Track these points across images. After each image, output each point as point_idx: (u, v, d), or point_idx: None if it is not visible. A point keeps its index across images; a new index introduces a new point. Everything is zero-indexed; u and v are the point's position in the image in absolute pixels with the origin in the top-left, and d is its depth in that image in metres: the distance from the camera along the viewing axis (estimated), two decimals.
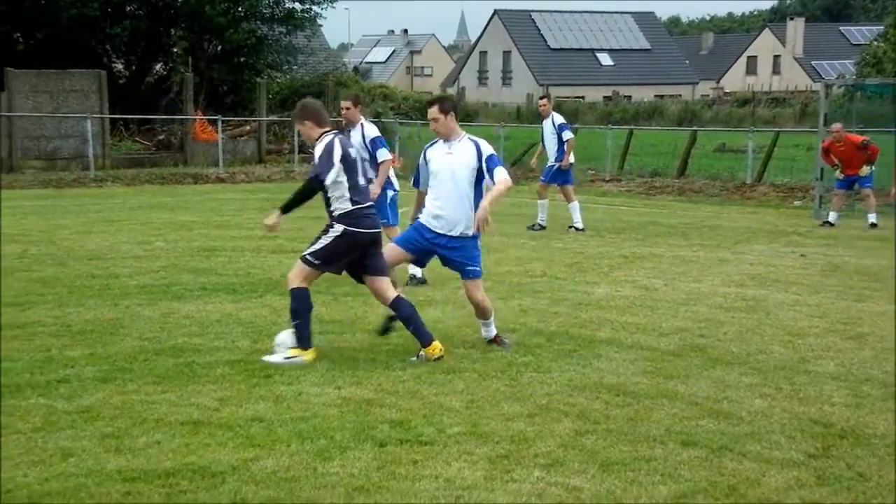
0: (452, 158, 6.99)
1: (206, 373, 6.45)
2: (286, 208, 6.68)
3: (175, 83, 29.19)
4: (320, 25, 36.35)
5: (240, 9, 29.92)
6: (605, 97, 53.85)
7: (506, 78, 67.50)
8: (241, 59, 30.62)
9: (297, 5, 31.00)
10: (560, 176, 14.78)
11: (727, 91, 60.85)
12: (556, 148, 14.70)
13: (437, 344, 6.81)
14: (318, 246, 6.73)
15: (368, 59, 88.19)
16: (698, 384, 6.42)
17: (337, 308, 8.63)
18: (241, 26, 29.52)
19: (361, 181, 6.81)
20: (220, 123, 26.52)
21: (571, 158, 14.79)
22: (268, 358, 6.69)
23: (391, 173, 9.95)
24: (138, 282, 9.88)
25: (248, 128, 29.43)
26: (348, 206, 6.70)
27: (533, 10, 68.94)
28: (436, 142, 7.16)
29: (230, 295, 9.24)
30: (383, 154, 9.72)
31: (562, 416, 5.68)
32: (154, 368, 6.54)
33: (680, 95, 58.19)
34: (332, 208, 6.75)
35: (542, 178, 15.13)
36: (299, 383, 6.23)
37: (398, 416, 5.60)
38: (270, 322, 7.95)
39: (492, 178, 6.91)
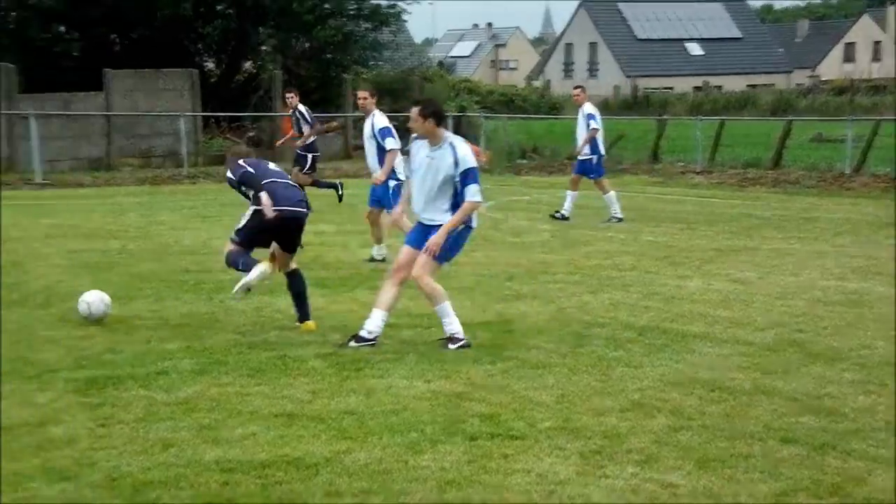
0: (432, 163, 6.96)
1: (298, 366, 6.55)
2: None
3: (264, 81, 29.71)
4: (405, 21, 36.56)
5: (327, 6, 30.30)
6: (694, 88, 52.87)
7: (592, 70, 66.86)
8: (329, 56, 31.00)
9: (383, 1, 31.26)
10: (581, 166, 14.80)
11: (823, 79, 59.15)
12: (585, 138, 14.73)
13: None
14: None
15: (453, 53, 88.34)
16: (797, 380, 6.26)
17: (424, 301, 8.66)
18: (328, 23, 29.91)
19: None
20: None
21: (601, 150, 14.79)
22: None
23: (397, 161, 10.38)
24: (231, 276, 9.99)
25: (335, 124, 29.77)
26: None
27: (620, 1, 68.10)
28: (423, 138, 7.05)
29: (320, 289, 9.34)
30: (390, 143, 10.38)
31: (655, 412, 5.60)
32: (248, 361, 6.67)
33: (773, 85, 56.80)
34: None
35: (581, 172, 14.99)
36: (389, 376, 6.28)
37: (488, 410, 5.60)
38: (360, 316, 8.01)
39: (462, 195, 6.88)
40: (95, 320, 7.67)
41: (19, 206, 16.95)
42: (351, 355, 6.79)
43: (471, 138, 24.79)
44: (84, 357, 6.71)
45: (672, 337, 7.40)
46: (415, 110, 7.01)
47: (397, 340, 7.25)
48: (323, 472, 4.70)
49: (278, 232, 7.50)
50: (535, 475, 4.66)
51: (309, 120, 16.29)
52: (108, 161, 24.45)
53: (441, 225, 6.97)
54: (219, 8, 29.69)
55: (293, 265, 7.72)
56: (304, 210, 7.59)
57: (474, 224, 7.14)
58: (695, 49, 66.60)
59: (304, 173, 15.72)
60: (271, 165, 7.86)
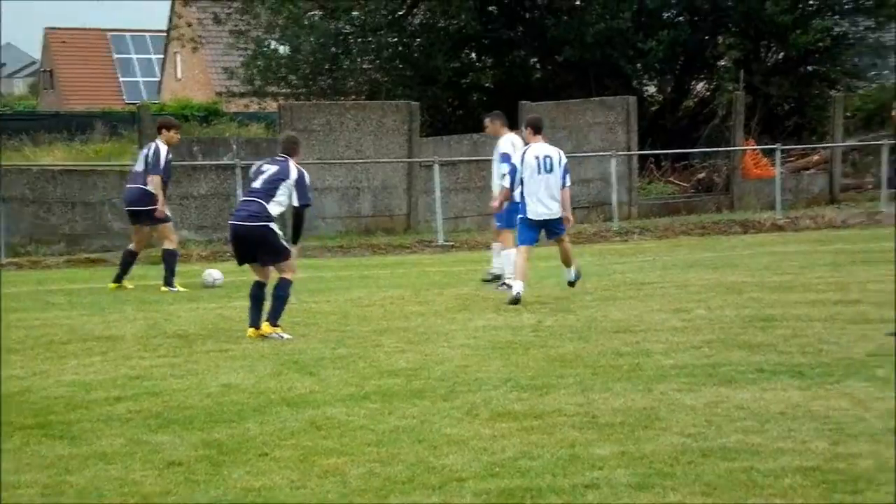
0: None
1: (769, 483, 6.42)
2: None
3: (720, 105, 29.82)
4: None
5: (811, 2, 29.64)
6: None
7: None
8: (809, 69, 30.48)
9: None
10: None
11: None
12: None
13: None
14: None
15: None
16: None
17: None
18: (810, 24, 29.25)
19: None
20: (778, 154, 26.54)
21: None
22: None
23: None
24: (675, 360, 10.15)
25: (816, 157, 29.12)
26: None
27: None
28: None
29: (796, 379, 9.15)
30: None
31: None
32: (701, 474, 6.64)
33: None
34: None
35: None
36: None
37: None
38: (855, 417, 7.71)
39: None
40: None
41: (413, 274, 18.35)
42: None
43: None
44: (496, 463, 7.04)
45: None
46: None
47: None
48: None
49: None
50: None
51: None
52: None
53: None
54: (665, 16, 30.10)
55: None
56: None
57: None
58: None
59: None
60: None
